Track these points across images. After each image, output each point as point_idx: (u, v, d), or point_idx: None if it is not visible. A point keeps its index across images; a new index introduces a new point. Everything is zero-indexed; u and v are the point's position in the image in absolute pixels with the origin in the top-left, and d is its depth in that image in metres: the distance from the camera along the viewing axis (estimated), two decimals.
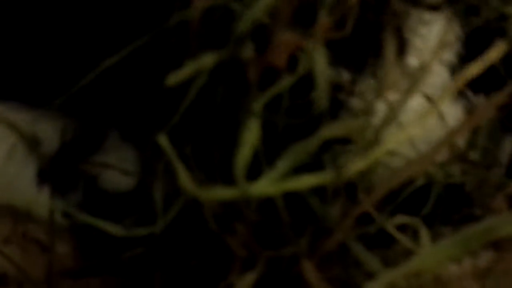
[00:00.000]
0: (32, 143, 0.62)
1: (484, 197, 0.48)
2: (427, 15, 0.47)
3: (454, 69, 0.51)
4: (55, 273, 0.73)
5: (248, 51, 0.45)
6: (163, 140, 0.44)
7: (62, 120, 0.60)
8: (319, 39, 0.40)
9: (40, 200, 0.72)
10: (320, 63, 0.40)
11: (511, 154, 0.50)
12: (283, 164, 0.41)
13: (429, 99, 0.45)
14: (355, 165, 0.39)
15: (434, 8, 0.46)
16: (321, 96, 0.41)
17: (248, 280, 0.43)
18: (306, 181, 0.39)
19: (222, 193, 0.41)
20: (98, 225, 0.46)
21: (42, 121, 0.62)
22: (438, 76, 0.48)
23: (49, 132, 0.63)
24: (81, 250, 0.72)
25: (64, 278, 0.70)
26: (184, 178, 0.42)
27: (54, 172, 0.65)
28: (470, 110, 0.49)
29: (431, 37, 0.47)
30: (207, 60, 0.45)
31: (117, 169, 0.61)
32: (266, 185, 0.40)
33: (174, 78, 0.43)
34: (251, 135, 0.41)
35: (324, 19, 0.40)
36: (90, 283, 0.68)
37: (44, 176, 0.67)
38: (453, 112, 0.49)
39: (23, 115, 0.61)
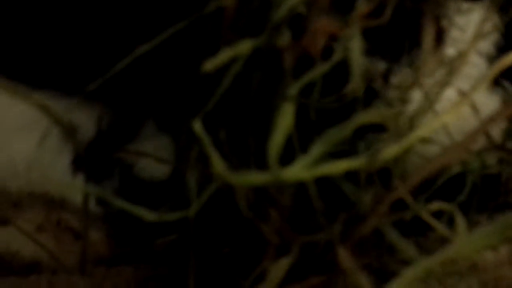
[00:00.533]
0: (68, 130, 0.63)
1: None
2: (465, 5, 0.47)
3: (492, 60, 0.50)
4: (88, 261, 0.74)
5: (284, 39, 0.45)
6: (197, 126, 0.45)
7: (98, 108, 0.61)
8: (356, 27, 0.40)
9: (74, 188, 0.73)
10: (355, 52, 0.40)
11: None
12: (316, 149, 0.41)
13: (461, 90, 0.45)
14: (389, 151, 0.39)
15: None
16: (355, 84, 0.41)
17: (282, 266, 0.44)
18: (339, 166, 0.40)
19: (255, 178, 0.41)
20: (132, 210, 0.47)
21: (79, 109, 0.63)
22: (475, 67, 0.48)
23: (85, 119, 0.63)
24: (114, 238, 0.72)
25: (97, 266, 0.71)
26: (217, 163, 0.43)
27: (90, 160, 0.66)
28: (506, 100, 0.49)
29: (469, 27, 0.47)
30: (244, 47, 0.45)
31: (152, 158, 0.61)
32: (299, 170, 0.40)
33: (211, 64, 0.44)
34: (285, 121, 0.41)
35: (362, 7, 0.40)
36: (122, 271, 0.69)
37: (79, 163, 0.68)
38: (490, 103, 0.49)
39: (60, 103, 0.62)
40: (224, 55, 0.45)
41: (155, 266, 0.66)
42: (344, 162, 0.39)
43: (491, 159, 0.49)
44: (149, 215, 0.46)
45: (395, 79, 0.49)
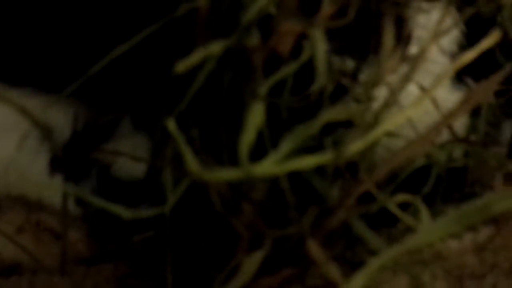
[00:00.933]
0: (44, 130, 0.63)
1: (484, 177, 0.49)
2: (426, 5, 0.48)
3: (454, 57, 0.52)
4: (69, 261, 0.75)
5: (253, 39, 0.46)
6: (171, 125, 0.46)
7: (74, 107, 0.62)
8: (320, 27, 0.42)
9: (52, 189, 0.74)
10: (320, 50, 0.41)
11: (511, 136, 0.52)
12: (286, 145, 0.43)
13: (423, 86, 0.46)
14: (355, 146, 0.41)
15: None
16: (321, 82, 0.42)
17: (255, 259, 0.45)
18: (308, 161, 0.41)
19: (226, 174, 0.43)
20: (109, 208, 0.48)
21: (54, 108, 0.63)
22: (437, 64, 0.50)
23: (61, 119, 0.64)
24: (93, 237, 0.73)
25: (77, 265, 0.72)
26: (190, 160, 0.44)
27: (67, 160, 0.67)
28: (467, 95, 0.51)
29: (430, 25, 0.49)
30: (215, 47, 0.46)
31: (129, 157, 0.62)
32: (269, 166, 0.42)
33: (184, 65, 0.45)
34: (255, 118, 0.43)
35: (326, 8, 0.42)
36: (102, 269, 0.70)
37: (57, 164, 0.69)
38: (452, 98, 0.51)
39: (35, 101, 0.63)
40: (196, 56, 0.46)
41: (134, 263, 0.68)
42: (313, 158, 0.41)
43: (457, 151, 0.51)
44: (125, 213, 0.47)
45: (362, 77, 0.51)
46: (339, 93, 0.52)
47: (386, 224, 0.50)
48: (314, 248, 0.43)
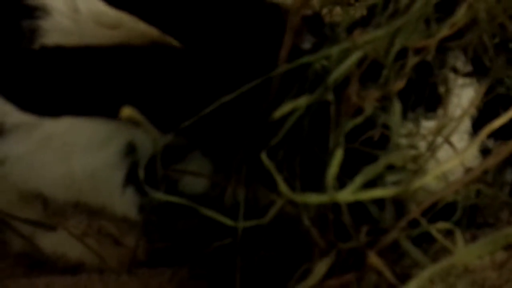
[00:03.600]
0: (128, 148, 0.75)
1: (495, 210, 0.65)
2: (461, 80, 0.64)
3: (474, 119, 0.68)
4: (128, 263, 0.87)
5: (331, 96, 0.61)
6: (264, 158, 0.60)
7: (160, 134, 0.74)
8: (393, 93, 0.57)
9: (120, 200, 0.85)
10: (397, 112, 0.56)
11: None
12: (360, 179, 0.57)
13: (455, 148, 0.62)
14: (415, 184, 0.55)
15: (467, 75, 0.64)
16: (395, 139, 0.57)
17: (324, 265, 0.59)
18: (379, 192, 0.55)
19: (316, 198, 0.56)
20: (214, 216, 0.60)
21: (141, 131, 0.75)
22: (464, 124, 0.66)
23: (146, 142, 0.76)
24: (152, 243, 0.85)
25: (139, 268, 0.83)
26: (283, 185, 0.58)
27: (141, 175, 0.78)
28: (484, 151, 0.67)
29: (464, 95, 0.64)
30: (302, 101, 0.61)
31: (194, 175, 0.75)
32: (349, 194, 0.56)
33: (279, 112, 0.59)
34: (337, 158, 0.57)
35: (398, 83, 0.57)
36: (163, 272, 0.82)
37: (131, 178, 0.80)
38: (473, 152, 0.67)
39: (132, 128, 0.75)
40: (287, 107, 0.60)
41: (193, 268, 0.80)
42: (382, 190, 0.55)
43: (473, 190, 0.66)
44: (229, 221, 0.60)
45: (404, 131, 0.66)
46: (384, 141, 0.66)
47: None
48: (375, 258, 0.57)
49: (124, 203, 0.81)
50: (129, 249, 0.86)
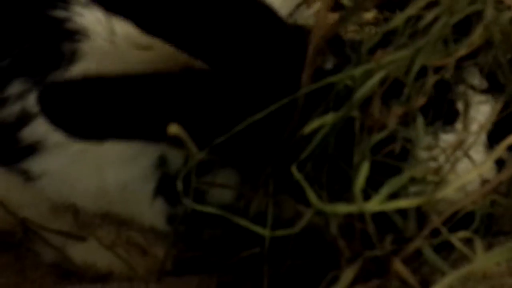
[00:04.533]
0: (160, 161, 0.79)
1: (510, 219, 0.69)
2: (478, 96, 0.68)
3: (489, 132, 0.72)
4: (155, 272, 0.90)
5: (357, 113, 0.65)
6: (295, 171, 0.64)
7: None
8: (416, 109, 0.61)
9: (149, 211, 0.88)
10: (419, 127, 0.60)
11: None
12: (385, 190, 0.61)
13: (473, 160, 0.66)
14: (437, 195, 0.59)
15: (483, 91, 0.68)
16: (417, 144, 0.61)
17: (352, 271, 0.62)
18: (404, 203, 0.59)
19: (344, 208, 0.60)
20: (249, 226, 0.64)
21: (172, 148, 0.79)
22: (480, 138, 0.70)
23: (176, 156, 0.80)
24: (178, 253, 0.89)
25: (167, 276, 0.87)
26: (313, 197, 0.62)
27: (170, 187, 0.82)
28: (499, 162, 0.71)
29: (480, 110, 0.69)
30: (328, 118, 0.65)
31: (221, 186, 0.79)
32: (375, 204, 0.60)
33: (309, 128, 0.63)
34: (364, 170, 0.60)
35: (419, 100, 0.61)
36: (190, 279, 0.85)
37: (160, 190, 0.83)
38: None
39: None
40: (316, 123, 0.64)
41: (220, 276, 0.83)
42: (408, 201, 0.59)
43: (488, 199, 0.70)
44: (260, 230, 0.64)
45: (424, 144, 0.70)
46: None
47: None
48: (399, 265, 0.61)
49: (153, 214, 0.85)
50: (156, 258, 0.90)
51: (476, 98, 0.68)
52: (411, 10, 0.66)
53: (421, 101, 0.61)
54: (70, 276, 0.90)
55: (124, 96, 0.69)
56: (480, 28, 0.66)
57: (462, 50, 0.66)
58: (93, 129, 0.69)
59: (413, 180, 0.63)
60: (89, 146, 0.79)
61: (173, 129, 0.61)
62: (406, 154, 0.69)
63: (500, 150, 0.61)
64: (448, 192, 0.60)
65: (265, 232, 0.63)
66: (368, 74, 0.66)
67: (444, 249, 0.68)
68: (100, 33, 0.77)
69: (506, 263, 0.65)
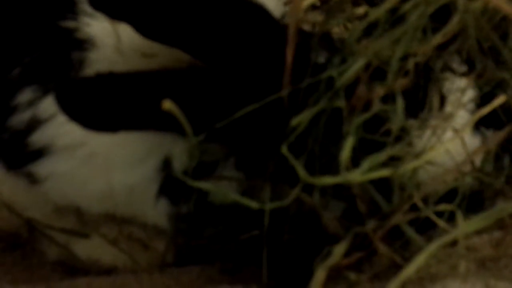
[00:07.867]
0: (165, 163, 0.82)
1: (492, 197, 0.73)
2: (458, 79, 0.73)
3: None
4: (157, 265, 0.93)
5: (342, 101, 0.70)
6: (284, 150, 0.68)
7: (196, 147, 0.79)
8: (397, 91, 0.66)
9: (152, 211, 0.88)
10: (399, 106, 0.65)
11: (509, 167, 0.75)
12: (367, 164, 0.65)
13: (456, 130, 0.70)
14: (419, 162, 0.63)
15: (463, 75, 0.73)
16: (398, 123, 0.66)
17: (343, 246, 0.66)
18: (386, 172, 0.64)
19: (330, 179, 0.64)
20: (241, 201, 0.68)
21: (178, 146, 0.82)
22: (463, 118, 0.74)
23: (183, 155, 0.82)
24: (178, 247, 0.91)
25: (169, 267, 0.90)
26: (301, 170, 0.66)
27: (174, 187, 0.84)
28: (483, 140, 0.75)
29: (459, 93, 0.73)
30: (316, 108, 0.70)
31: (224, 184, 0.82)
32: (358, 175, 0.64)
33: (298, 120, 0.68)
34: (349, 143, 0.65)
35: (402, 81, 0.66)
36: (192, 269, 0.88)
37: (164, 190, 0.85)
38: (473, 141, 0.75)
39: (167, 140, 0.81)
40: (306, 115, 0.69)
41: (220, 264, 0.86)
42: (386, 170, 0.64)
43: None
44: (253, 204, 0.67)
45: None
46: None
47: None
48: (379, 241, 0.65)
49: (156, 213, 0.87)
50: (157, 252, 0.92)
51: (457, 81, 0.73)
52: (389, 3, 0.71)
53: (402, 82, 0.66)
54: (75, 272, 0.93)
55: (135, 89, 0.73)
56: (456, 17, 0.72)
57: (439, 38, 0.71)
58: (107, 121, 0.73)
59: (393, 159, 0.67)
60: (96, 149, 0.83)
61: (167, 105, 0.65)
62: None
63: (476, 117, 0.65)
64: (428, 157, 0.64)
65: (258, 206, 0.67)
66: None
67: (431, 227, 0.72)
68: (107, 42, 0.81)
69: (488, 235, 0.68)
